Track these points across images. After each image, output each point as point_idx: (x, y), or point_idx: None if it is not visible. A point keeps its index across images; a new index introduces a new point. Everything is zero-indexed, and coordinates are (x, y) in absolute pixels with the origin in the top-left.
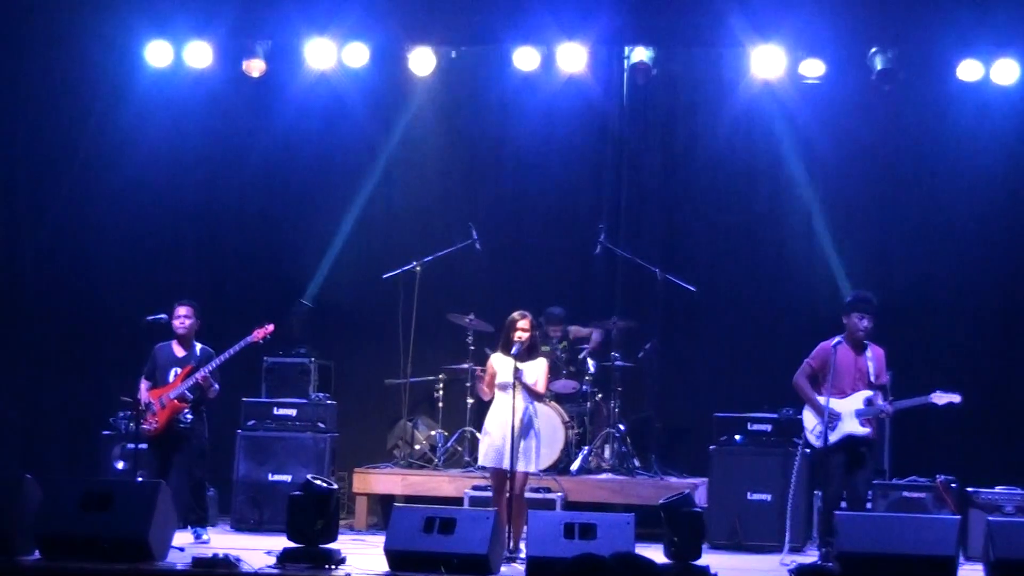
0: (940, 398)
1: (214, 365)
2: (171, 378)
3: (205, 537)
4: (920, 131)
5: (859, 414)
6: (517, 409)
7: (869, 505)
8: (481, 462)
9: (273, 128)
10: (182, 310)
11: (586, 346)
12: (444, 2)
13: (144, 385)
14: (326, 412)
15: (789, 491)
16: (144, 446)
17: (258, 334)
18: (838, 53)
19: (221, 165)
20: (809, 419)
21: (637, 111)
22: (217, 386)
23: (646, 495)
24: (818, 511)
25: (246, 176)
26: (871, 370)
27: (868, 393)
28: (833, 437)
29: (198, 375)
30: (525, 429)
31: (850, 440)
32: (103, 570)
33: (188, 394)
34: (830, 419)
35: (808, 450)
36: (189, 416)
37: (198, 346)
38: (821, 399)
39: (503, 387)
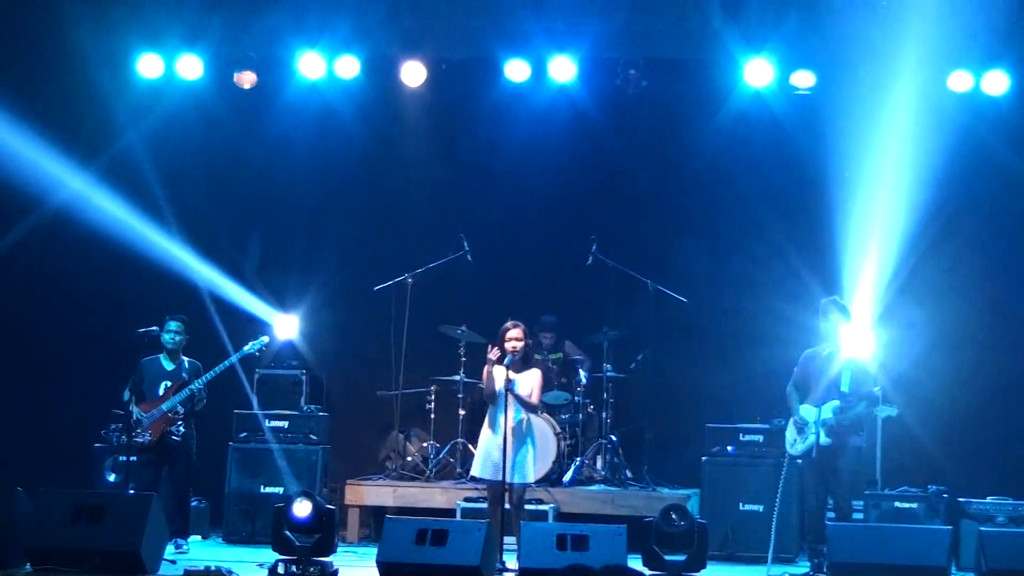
0: (882, 411)
1: (209, 377)
2: (161, 391)
3: (185, 548)
4: (911, 142)
5: (823, 423)
6: (510, 420)
7: (860, 515)
8: (474, 473)
9: (264, 140)
10: (172, 325)
11: (578, 357)
12: (435, 14)
13: (131, 398)
14: (318, 424)
15: (775, 502)
16: (134, 459)
17: (254, 346)
18: (829, 64)
19: (212, 177)
20: (789, 429)
21: (628, 122)
22: (205, 399)
23: (638, 506)
24: (806, 521)
25: (237, 188)
26: (845, 379)
27: (836, 403)
28: (801, 447)
29: (193, 387)
30: (520, 440)
31: (816, 450)
32: None
33: (179, 407)
34: (800, 429)
35: (799, 460)
36: (182, 428)
37: (186, 359)
38: (804, 407)
39: (496, 398)
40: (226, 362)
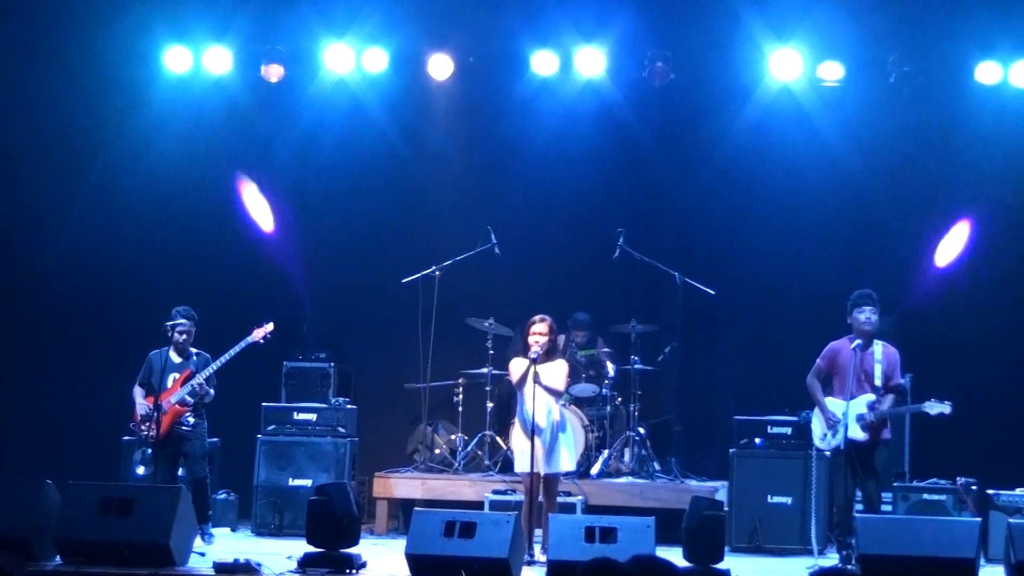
0: (932, 407)
1: (213, 369)
2: (169, 384)
3: (211, 538)
4: (938, 134)
5: (859, 418)
6: (538, 412)
7: (888, 508)
8: (517, 470)
9: (292, 133)
10: (182, 319)
11: (606, 349)
12: (462, 6)
13: (139, 392)
14: (346, 417)
15: (811, 494)
16: (148, 452)
17: (257, 334)
18: (857, 56)
19: (240, 170)
20: (815, 423)
21: (655, 115)
22: (213, 391)
23: (666, 498)
24: (835, 515)
25: (264, 181)
26: (877, 372)
27: (872, 397)
28: (835, 441)
29: (194, 382)
30: (552, 431)
31: (852, 444)
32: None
33: (188, 398)
34: (831, 423)
35: (828, 452)
36: (191, 419)
37: (194, 351)
38: (831, 400)
39: (522, 387)
40: (230, 351)
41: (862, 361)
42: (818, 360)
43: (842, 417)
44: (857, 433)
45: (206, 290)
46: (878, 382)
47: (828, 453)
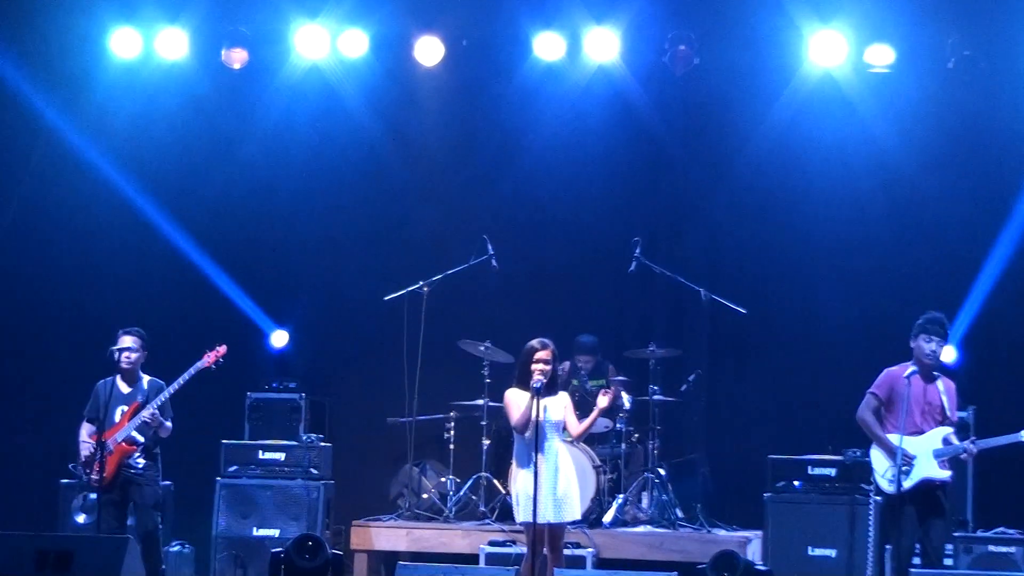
0: None
1: (162, 399)
2: (117, 418)
3: None
4: (1002, 127)
5: (937, 455)
6: (543, 451)
7: (949, 561)
8: (519, 520)
9: (257, 127)
10: (127, 340)
11: (620, 378)
12: None
13: (87, 429)
14: (319, 456)
15: (868, 545)
16: (92, 498)
17: (209, 358)
18: (909, 38)
19: (197, 170)
20: (879, 461)
21: (677, 106)
22: (169, 424)
23: (691, 550)
24: (891, 569)
25: (226, 183)
26: (945, 404)
27: (947, 430)
28: (907, 482)
29: (144, 413)
30: (557, 473)
31: (927, 485)
32: None
33: (137, 436)
34: (904, 461)
35: (879, 498)
36: (140, 461)
37: (145, 379)
38: (892, 437)
39: (528, 428)
40: (179, 379)
41: (925, 392)
42: (872, 389)
43: (916, 455)
44: (937, 472)
45: (156, 309)
46: (949, 414)
47: (887, 494)
